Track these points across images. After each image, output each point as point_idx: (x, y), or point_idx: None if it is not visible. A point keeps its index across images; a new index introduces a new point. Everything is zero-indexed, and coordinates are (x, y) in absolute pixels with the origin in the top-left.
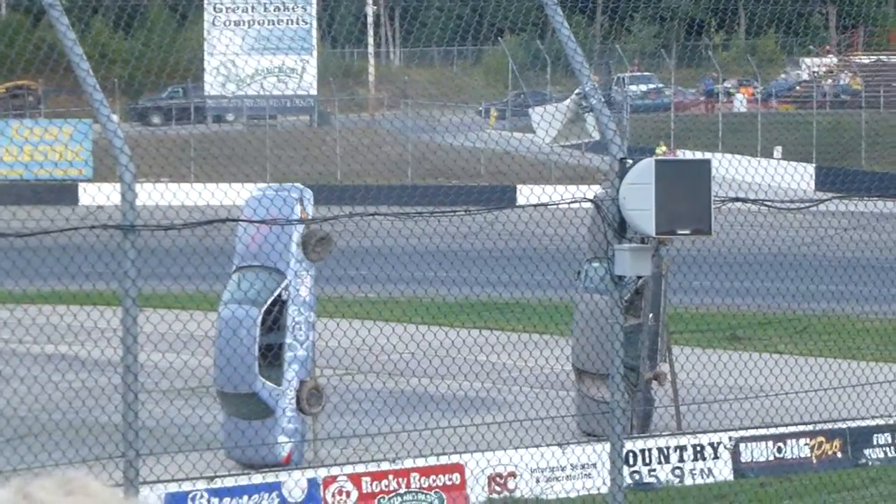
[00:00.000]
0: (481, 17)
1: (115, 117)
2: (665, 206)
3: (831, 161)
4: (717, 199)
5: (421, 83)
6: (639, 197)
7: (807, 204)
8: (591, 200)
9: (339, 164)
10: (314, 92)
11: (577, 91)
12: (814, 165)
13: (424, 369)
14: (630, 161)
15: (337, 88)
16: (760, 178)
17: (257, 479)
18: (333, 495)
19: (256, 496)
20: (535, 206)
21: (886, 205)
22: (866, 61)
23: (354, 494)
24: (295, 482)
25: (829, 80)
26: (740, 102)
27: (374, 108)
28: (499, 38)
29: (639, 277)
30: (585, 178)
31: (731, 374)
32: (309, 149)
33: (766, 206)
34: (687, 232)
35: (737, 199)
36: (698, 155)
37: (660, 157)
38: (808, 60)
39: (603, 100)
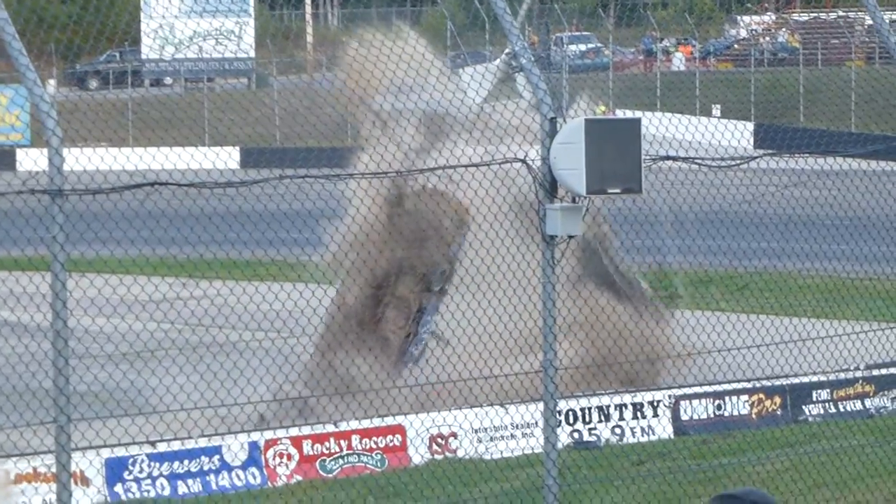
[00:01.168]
0: None
1: (50, 82)
2: (595, 165)
3: (770, 119)
4: (647, 157)
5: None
6: (569, 156)
7: (737, 161)
8: (521, 161)
9: (277, 126)
10: (252, 54)
11: (506, 51)
12: (753, 123)
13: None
14: (561, 120)
15: (275, 51)
16: (700, 137)
17: (200, 443)
18: (274, 458)
19: (198, 460)
20: (465, 166)
21: (826, 161)
22: (804, 19)
23: (296, 457)
24: (236, 447)
25: (767, 38)
26: (679, 61)
27: (312, 69)
28: None
29: (571, 236)
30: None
31: (671, 332)
32: (248, 111)
33: (696, 164)
34: (617, 190)
35: (667, 158)
36: (637, 114)
37: (590, 117)
38: (745, 18)
39: (533, 59)
